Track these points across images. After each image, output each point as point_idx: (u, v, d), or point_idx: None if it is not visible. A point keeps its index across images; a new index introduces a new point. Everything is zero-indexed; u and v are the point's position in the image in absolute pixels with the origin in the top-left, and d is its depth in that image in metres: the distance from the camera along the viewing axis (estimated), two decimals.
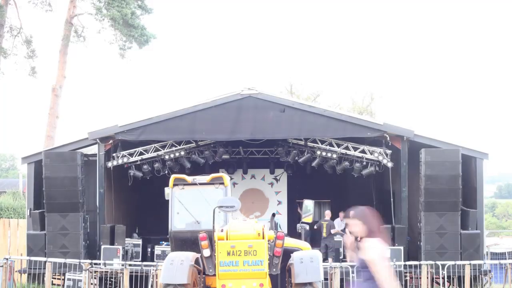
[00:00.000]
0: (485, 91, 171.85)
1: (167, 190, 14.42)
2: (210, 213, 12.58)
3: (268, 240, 12.28)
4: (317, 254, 13.33)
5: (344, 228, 24.94)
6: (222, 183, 14.31)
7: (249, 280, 12.01)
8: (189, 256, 12.59)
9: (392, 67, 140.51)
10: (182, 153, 24.40)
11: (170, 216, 14.27)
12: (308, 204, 17.34)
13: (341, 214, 26.32)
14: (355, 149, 23.98)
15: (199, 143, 24.67)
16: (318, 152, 24.13)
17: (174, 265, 12.51)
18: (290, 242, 14.52)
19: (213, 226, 12.27)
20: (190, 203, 13.64)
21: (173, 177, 14.34)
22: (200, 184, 14.08)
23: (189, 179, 14.23)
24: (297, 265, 12.75)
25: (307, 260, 12.80)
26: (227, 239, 11.95)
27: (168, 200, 14.57)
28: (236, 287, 12.17)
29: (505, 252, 28.34)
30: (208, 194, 13.59)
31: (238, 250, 11.90)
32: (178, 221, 14.25)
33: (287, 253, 13.26)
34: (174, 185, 14.24)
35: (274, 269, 12.43)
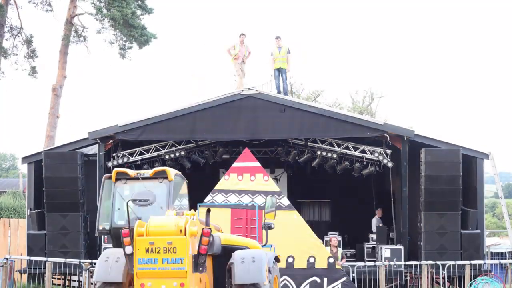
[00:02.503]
0: (486, 91, 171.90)
1: (107, 184, 13.50)
2: (153, 209, 12.07)
3: (195, 237, 11.41)
4: (261, 253, 12.70)
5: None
6: (166, 177, 13.24)
7: (169, 279, 11.19)
8: (121, 254, 11.89)
9: (393, 66, 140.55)
10: (182, 153, 24.41)
11: (111, 210, 13.37)
12: (270, 201, 16.92)
13: (379, 211, 26.08)
14: (356, 149, 23.98)
15: (199, 143, 24.68)
16: (318, 152, 24.13)
17: (109, 262, 12.02)
18: (237, 240, 13.95)
19: (128, 222, 11.54)
20: (132, 198, 12.62)
21: (115, 171, 13.42)
22: (143, 178, 13.23)
23: (132, 173, 13.39)
24: (238, 264, 12.16)
25: (248, 259, 12.20)
26: (146, 235, 11.18)
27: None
28: (155, 287, 11.33)
29: (505, 252, 28.32)
30: (152, 188, 12.82)
31: (157, 247, 11.09)
32: (118, 217, 13.34)
33: (231, 251, 12.67)
34: (117, 179, 13.33)
35: (201, 268, 11.53)
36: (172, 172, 13.41)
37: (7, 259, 21.50)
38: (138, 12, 38.08)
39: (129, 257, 11.46)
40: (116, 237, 13.01)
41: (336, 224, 27.63)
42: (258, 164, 20.57)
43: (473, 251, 22.30)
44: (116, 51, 38.69)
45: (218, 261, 12.79)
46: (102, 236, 22.67)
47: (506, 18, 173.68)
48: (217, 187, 20.32)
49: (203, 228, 11.73)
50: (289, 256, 19.62)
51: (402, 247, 22.52)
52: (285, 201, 20.15)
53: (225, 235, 13.98)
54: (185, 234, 11.12)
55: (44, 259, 21.57)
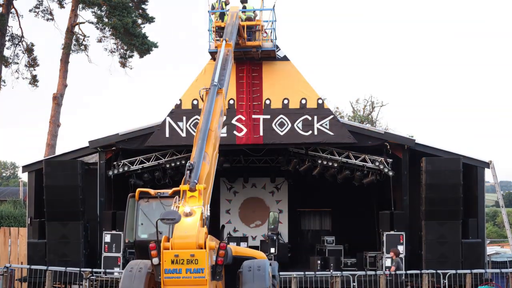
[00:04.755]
0: (487, 100, 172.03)
1: (131, 202, 15.28)
2: (171, 224, 13.35)
3: (213, 250, 12.98)
4: (265, 262, 14.29)
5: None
6: None
7: (191, 286, 12.66)
8: (148, 264, 13.43)
9: (394, 75, 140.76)
10: (183, 161, 24.36)
11: (135, 225, 15.16)
12: (272, 217, 18.21)
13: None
14: (356, 157, 23.96)
15: None
16: (319, 161, 24.09)
17: (133, 272, 13.49)
18: (245, 251, 15.74)
19: (157, 236, 13.01)
20: (154, 215, 14.36)
21: (138, 190, 15.20)
22: (163, 197, 14.88)
23: (153, 192, 15.08)
24: (245, 273, 13.84)
25: (254, 268, 13.90)
26: (172, 249, 12.62)
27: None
28: None
29: (506, 261, 28.28)
30: (170, 206, 14.23)
31: (181, 259, 12.55)
32: (141, 231, 15.11)
33: (241, 261, 14.30)
34: (140, 198, 15.06)
35: (218, 277, 13.06)
36: None
37: (7, 267, 21.49)
38: (139, 21, 38.17)
39: (156, 267, 12.86)
40: (140, 249, 14.64)
41: (336, 233, 27.62)
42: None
43: (474, 260, 22.26)
44: (117, 59, 38.81)
45: (229, 270, 14.32)
46: (103, 245, 22.79)
47: (508, 28, 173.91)
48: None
49: (220, 242, 13.16)
50: (284, 98, 23.17)
51: (402, 256, 22.49)
52: (281, 53, 23.35)
53: (236, 247, 15.65)
54: (205, 248, 12.49)
55: (44, 267, 21.55)
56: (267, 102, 23.18)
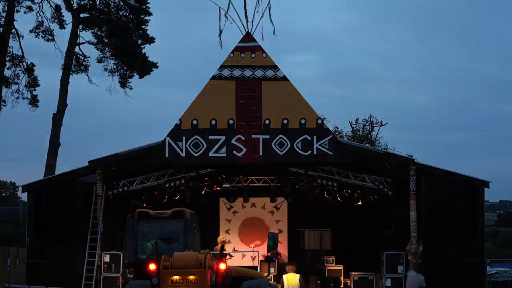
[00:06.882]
0: (488, 117, 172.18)
1: (131, 223, 15.31)
2: (170, 244, 13.50)
3: (212, 269, 13.18)
4: (265, 283, 14.76)
5: None
6: (183, 217, 15.61)
7: None
8: (147, 284, 13.70)
9: (393, 93, 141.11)
10: (183, 181, 24.38)
11: (135, 245, 15.70)
12: (272, 239, 18.43)
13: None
14: (356, 177, 23.97)
15: (199, 171, 24.68)
16: (319, 181, 24.10)
17: None
18: (244, 271, 16.03)
19: (156, 256, 13.37)
20: (153, 235, 14.77)
21: (137, 211, 15.61)
22: (162, 218, 15.20)
23: (152, 212, 15.56)
24: None
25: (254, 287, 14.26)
26: (171, 268, 12.90)
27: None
28: None
29: (506, 281, 28.23)
30: (169, 227, 14.55)
31: (181, 278, 12.82)
32: (141, 252, 15.52)
33: (241, 282, 14.56)
34: (139, 218, 15.48)
35: None
36: (188, 212, 15.55)
37: (6, 287, 21.43)
38: (139, 41, 38.36)
39: (156, 287, 13.17)
40: (140, 269, 14.87)
41: (337, 253, 27.54)
42: (257, 43, 23.23)
43: (474, 280, 22.21)
44: (117, 80, 38.93)
45: None
46: (102, 265, 22.73)
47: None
48: (224, 63, 23.13)
49: (220, 262, 13.50)
50: (284, 118, 22.99)
51: (402, 276, 22.46)
52: (280, 73, 23.20)
53: (235, 267, 15.93)
54: (204, 267, 12.75)
55: None
56: (267, 122, 23.21)
